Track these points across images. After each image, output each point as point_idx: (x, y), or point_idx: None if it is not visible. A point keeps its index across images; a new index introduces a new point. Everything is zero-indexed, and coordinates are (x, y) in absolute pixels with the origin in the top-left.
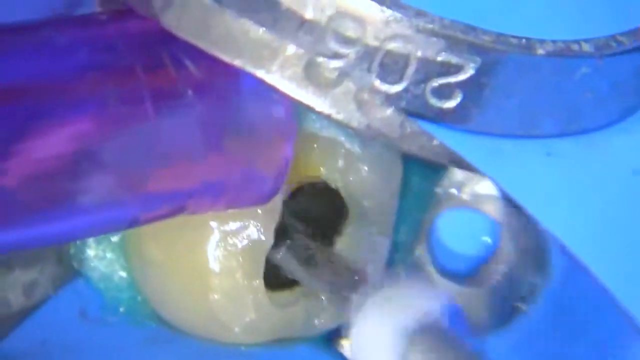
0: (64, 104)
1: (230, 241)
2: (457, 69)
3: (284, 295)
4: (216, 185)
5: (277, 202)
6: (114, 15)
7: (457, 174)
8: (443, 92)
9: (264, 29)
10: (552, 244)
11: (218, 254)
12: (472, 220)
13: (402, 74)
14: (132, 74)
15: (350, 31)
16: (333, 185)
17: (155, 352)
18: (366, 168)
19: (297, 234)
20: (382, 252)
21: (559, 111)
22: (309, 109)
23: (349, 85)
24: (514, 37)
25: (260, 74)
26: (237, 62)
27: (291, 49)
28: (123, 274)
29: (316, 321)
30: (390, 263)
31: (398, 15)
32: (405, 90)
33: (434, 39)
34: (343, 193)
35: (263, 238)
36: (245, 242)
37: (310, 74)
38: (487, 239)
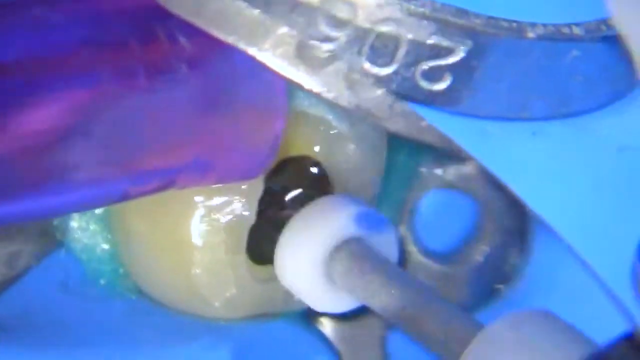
0: (58, 78)
1: (214, 216)
2: (448, 51)
3: (265, 270)
4: (207, 160)
5: (259, 177)
6: None
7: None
8: (433, 75)
9: (259, 10)
10: (535, 225)
11: (201, 229)
12: (454, 200)
13: (393, 57)
14: (126, 48)
15: (342, 13)
16: (319, 162)
17: (134, 324)
18: (353, 146)
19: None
20: None
21: (549, 94)
22: (299, 87)
23: (340, 65)
24: (504, 20)
25: (252, 51)
26: (230, 39)
27: (284, 29)
28: (106, 246)
29: (296, 297)
30: None
31: None
32: (396, 72)
33: (425, 22)
34: (328, 170)
35: (247, 213)
36: (229, 217)
37: (302, 53)
38: (469, 219)
